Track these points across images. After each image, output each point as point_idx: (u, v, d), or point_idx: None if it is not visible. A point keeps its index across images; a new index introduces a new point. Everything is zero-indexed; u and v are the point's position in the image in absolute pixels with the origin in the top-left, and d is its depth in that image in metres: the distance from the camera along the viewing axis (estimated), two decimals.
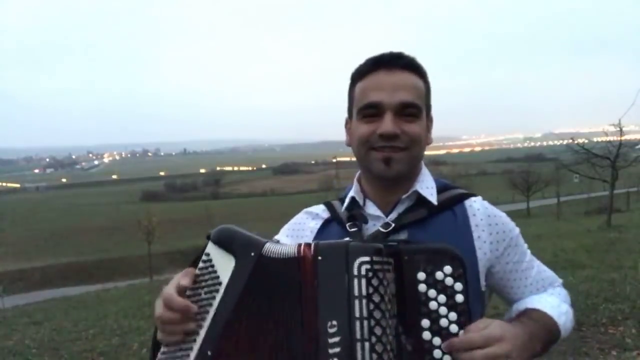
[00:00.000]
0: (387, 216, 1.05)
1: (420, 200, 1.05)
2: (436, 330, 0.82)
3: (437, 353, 0.81)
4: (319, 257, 0.83)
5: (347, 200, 1.10)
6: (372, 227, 1.04)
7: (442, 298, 0.82)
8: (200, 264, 0.90)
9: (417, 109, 1.01)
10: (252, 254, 0.87)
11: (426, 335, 0.82)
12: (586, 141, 14.34)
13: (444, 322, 0.82)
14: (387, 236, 0.99)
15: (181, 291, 0.87)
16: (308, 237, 1.12)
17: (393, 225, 1.00)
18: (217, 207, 47.93)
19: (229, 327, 0.83)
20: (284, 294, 0.84)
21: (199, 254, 0.93)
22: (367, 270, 0.80)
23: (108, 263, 29.24)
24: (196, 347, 0.85)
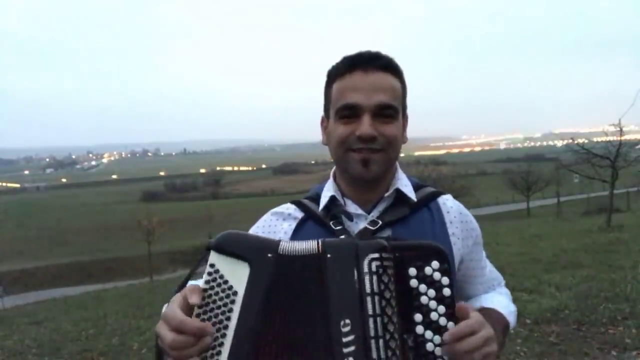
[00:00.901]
0: (367, 214, 1.05)
1: (400, 198, 1.06)
2: (428, 323, 0.83)
3: (429, 346, 0.82)
4: (328, 255, 0.83)
5: (325, 199, 1.08)
6: (354, 226, 1.04)
7: (431, 292, 0.84)
8: (206, 277, 0.84)
9: (394, 110, 1.01)
10: (269, 255, 0.84)
11: (419, 329, 0.83)
12: (586, 141, 14.33)
13: (434, 315, 0.83)
14: (373, 234, 1.00)
15: (188, 311, 0.81)
16: (284, 239, 1.06)
17: (380, 222, 1.01)
18: (217, 207, 47.96)
19: (257, 338, 0.80)
20: (305, 294, 0.82)
21: (193, 268, 0.88)
22: (378, 267, 0.81)
23: (108, 263, 29.27)
24: None
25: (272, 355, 0.80)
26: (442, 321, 0.83)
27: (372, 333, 0.78)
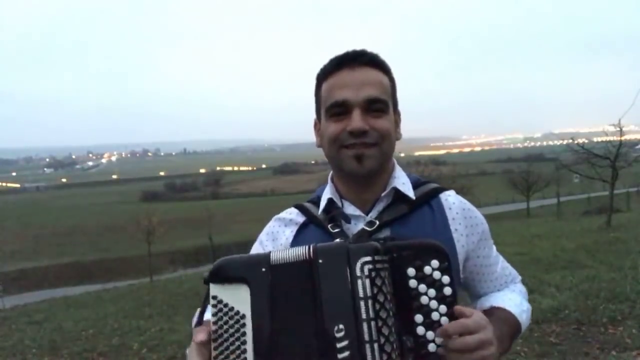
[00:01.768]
0: (366, 215, 1.04)
1: (398, 196, 1.05)
2: (429, 324, 0.82)
3: (431, 347, 0.81)
4: (320, 260, 0.81)
5: (324, 202, 1.08)
6: (353, 227, 1.03)
7: (432, 292, 0.83)
8: (212, 310, 0.85)
9: (383, 104, 1.01)
10: (264, 269, 0.84)
11: (420, 330, 0.82)
12: (586, 141, 14.32)
13: (435, 315, 0.82)
14: (371, 235, 0.99)
15: (207, 352, 0.83)
16: (285, 245, 1.09)
17: (377, 223, 1.00)
18: (217, 207, 47.89)
19: (274, 350, 0.81)
20: (299, 302, 0.82)
21: (202, 306, 0.90)
22: (370, 270, 0.79)
23: (108, 263, 29.26)
24: None
25: None
26: (444, 321, 0.82)
27: (366, 337, 0.77)
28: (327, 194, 1.09)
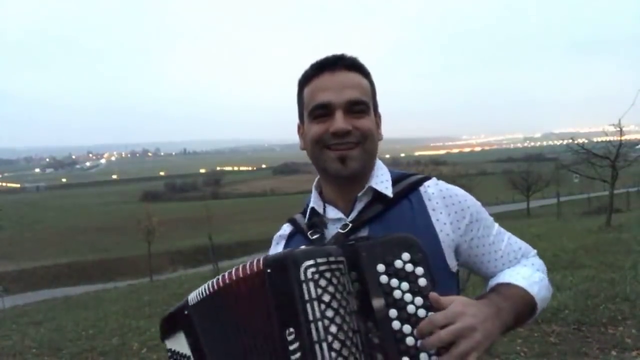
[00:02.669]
0: (348, 216, 1.06)
1: (377, 195, 1.07)
2: (404, 318, 0.82)
3: (409, 340, 0.81)
4: (268, 270, 0.83)
5: (308, 212, 1.13)
6: (334, 230, 1.06)
7: (405, 285, 0.83)
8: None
9: (365, 105, 1.03)
10: (185, 312, 0.99)
11: (396, 324, 0.82)
12: (586, 141, 14.32)
13: (411, 308, 0.82)
14: (347, 236, 1.00)
15: None
16: None
17: (351, 225, 1.02)
18: (217, 207, 47.89)
19: None
20: (248, 314, 0.86)
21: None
22: (313, 273, 0.80)
23: (108, 263, 29.24)
24: None
25: None
26: (421, 313, 0.82)
27: (315, 338, 0.78)
28: (312, 202, 1.12)
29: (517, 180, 32.51)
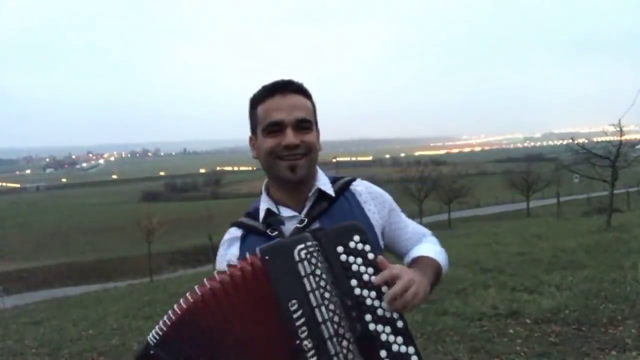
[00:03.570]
0: (300, 214, 1.26)
1: (321, 194, 1.29)
2: (363, 284, 1.04)
3: (368, 301, 1.03)
4: (266, 257, 1.02)
5: (262, 213, 1.29)
6: (289, 227, 1.24)
7: (359, 260, 1.05)
8: None
9: (309, 123, 1.25)
10: (152, 352, 1.05)
11: (357, 290, 1.03)
12: (586, 141, 14.31)
13: (366, 277, 1.04)
14: (303, 230, 1.19)
15: None
16: (234, 262, 1.22)
17: (306, 220, 1.24)
18: (217, 207, 47.89)
19: None
20: (257, 298, 1.01)
21: None
22: (305, 254, 1.02)
23: (108, 263, 29.25)
24: None
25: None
26: (374, 279, 1.04)
27: (314, 304, 0.99)
28: (265, 204, 1.30)
29: (517, 180, 32.55)
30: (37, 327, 7.62)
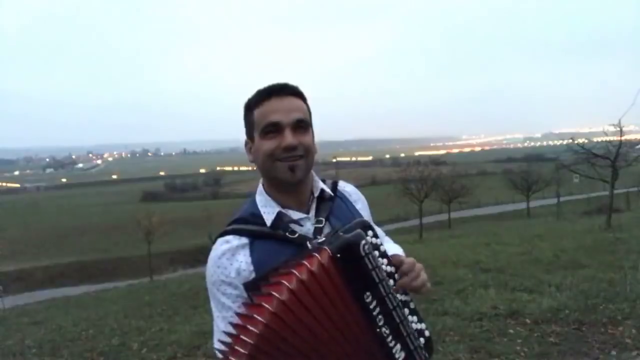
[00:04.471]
0: (307, 215, 1.27)
1: (320, 196, 1.31)
2: (384, 274, 1.13)
3: (390, 282, 1.15)
4: (338, 255, 1.05)
5: (271, 215, 1.24)
6: (305, 228, 1.24)
7: (376, 253, 1.14)
8: None
9: (306, 124, 1.26)
10: None
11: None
12: (586, 141, 14.31)
13: (383, 267, 1.14)
14: (322, 230, 1.23)
15: None
16: (246, 268, 1.19)
17: (324, 220, 1.26)
18: (217, 207, 47.89)
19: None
20: (330, 297, 1.05)
21: None
22: (368, 248, 1.09)
23: (108, 263, 29.23)
24: None
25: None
26: (389, 269, 1.16)
27: (383, 293, 1.10)
28: (272, 207, 1.26)
29: (517, 180, 32.53)
30: (37, 327, 7.62)
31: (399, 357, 1.11)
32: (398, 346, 1.11)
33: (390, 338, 1.10)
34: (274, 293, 1.00)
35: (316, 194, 1.30)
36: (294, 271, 1.02)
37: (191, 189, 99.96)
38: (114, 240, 36.91)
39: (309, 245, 1.16)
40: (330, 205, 1.30)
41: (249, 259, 1.19)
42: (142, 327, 6.49)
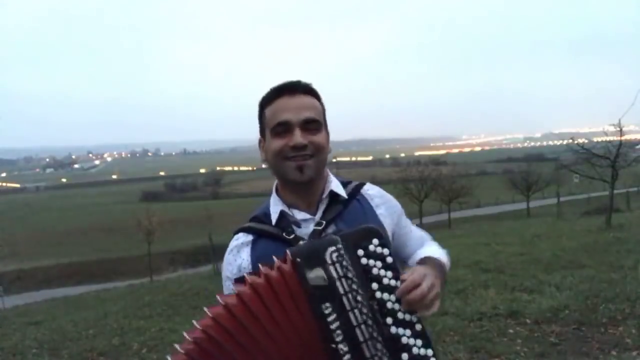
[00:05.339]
0: (314, 216, 1.24)
1: (334, 197, 1.27)
2: (383, 287, 1.04)
3: (389, 304, 1.04)
4: (298, 260, 1.01)
5: (275, 215, 1.25)
6: (304, 229, 1.22)
7: (379, 263, 1.05)
8: None
9: (318, 124, 1.23)
10: None
11: (378, 294, 1.04)
12: (586, 141, 14.29)
13: (385, 280, 1.05)
14: (321, 233, 1.19)
15: None
16: (246, 267, 1.22)
17: (324, 222, 1.21)
18: (217, 207, 47.91)
19: None
20: (285, 303, 0.99)
21: None
22: (337, 257, 1.02)
23: (108, 263, 29.21)
24: None
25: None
26: (393, 282, 1.05)
27: (348, 307, 0.99)
28: (277, 206, 1.27)
29: (517, 180, 32.50)
30: (37, 327, 7.62)
31: None
32: None
33: (347, 357, 0.97)
34: (222, 298, 1.00)
35: (324, 195, 1.26)
36: (253, 275, 1.02)
37: (191, 189, 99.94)
38: (114, 240, 36.89)
39: None
40: (341, 208, 1.25)
41: (248, 257, 1.23)
42: (142, 327, 6.50)
